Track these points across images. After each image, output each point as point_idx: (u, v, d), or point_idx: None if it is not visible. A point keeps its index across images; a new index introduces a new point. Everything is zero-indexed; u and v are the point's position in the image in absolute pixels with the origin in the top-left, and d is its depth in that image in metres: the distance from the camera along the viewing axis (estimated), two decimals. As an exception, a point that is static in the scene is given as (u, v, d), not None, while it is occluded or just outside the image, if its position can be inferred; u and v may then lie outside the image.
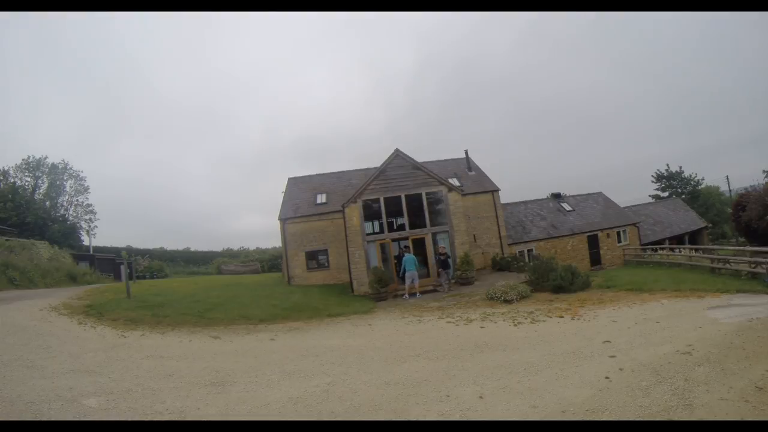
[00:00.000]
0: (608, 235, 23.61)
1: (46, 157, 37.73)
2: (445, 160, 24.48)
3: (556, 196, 26.90)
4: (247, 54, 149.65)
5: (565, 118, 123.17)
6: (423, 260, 17.31)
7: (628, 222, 24.67)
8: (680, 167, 43.66)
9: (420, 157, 19.36)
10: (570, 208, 25.01)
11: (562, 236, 23.03)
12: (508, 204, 23.94)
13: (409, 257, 15.27)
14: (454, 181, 20.80)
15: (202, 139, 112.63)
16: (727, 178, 38.89)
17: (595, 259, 22.92)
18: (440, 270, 15.81)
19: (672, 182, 43.37)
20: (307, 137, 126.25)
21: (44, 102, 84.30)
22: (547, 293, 12.28)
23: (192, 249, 47.36)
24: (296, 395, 5.12)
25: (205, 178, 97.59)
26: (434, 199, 18.06)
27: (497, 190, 21.91)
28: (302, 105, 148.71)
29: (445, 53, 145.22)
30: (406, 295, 14.77)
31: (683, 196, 38.64)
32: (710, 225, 33.47)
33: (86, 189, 38.68)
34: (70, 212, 38.40)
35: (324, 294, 16.18)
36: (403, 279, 15.24)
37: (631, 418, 3.87)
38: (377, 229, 21.64)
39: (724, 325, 6.87)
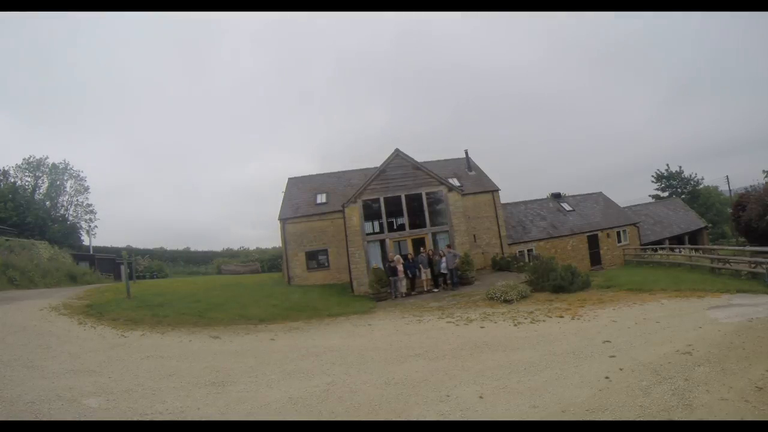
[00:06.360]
0: (608, 235, 23.59)
1: (46, 157, 37.76)
2: (445, 160, 24.46)
3: (556, 196, 26.89)
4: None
5: (564, 118, 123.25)
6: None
7: (628, 222, 24.66)
8: (680, 167, 43.77)
9: (420, 157, 19.38)
10: (570, 208, 25.00)
11: (562, 236, 23.01)
12: (508, 204, 23.93)
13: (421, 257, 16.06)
14: (454, 181, 20.79)
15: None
16: (727, 178, 38.84)
17: (595, 259, 22.91)
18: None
19: (672, 182, 43.41)
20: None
21: (48, 102, 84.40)
22: (547, 293, 12.27)
23: (192, 249, 47.28)
24: (296, 395, 5.12)
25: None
26: (434, 199, 18.04)
27: (497, 190, 21.91)
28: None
29: (450, 59, 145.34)
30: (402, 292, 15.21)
31: (683, 196, 38.64)
32: (710, 225, 33.46)
33: (86, 189, 38.69)
34: (70, 212, 38.40)
35: (324, 294, 16.18)
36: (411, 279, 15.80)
37: (631, 418, 3.87)
38: (377, 229, 21.62)
39: (724, 325, 6.88)
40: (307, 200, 21.99)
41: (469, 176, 23.10)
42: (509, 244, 21.63)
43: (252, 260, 39.41)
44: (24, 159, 37.33)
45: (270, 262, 37.60)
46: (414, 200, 17.72)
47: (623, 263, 22.21)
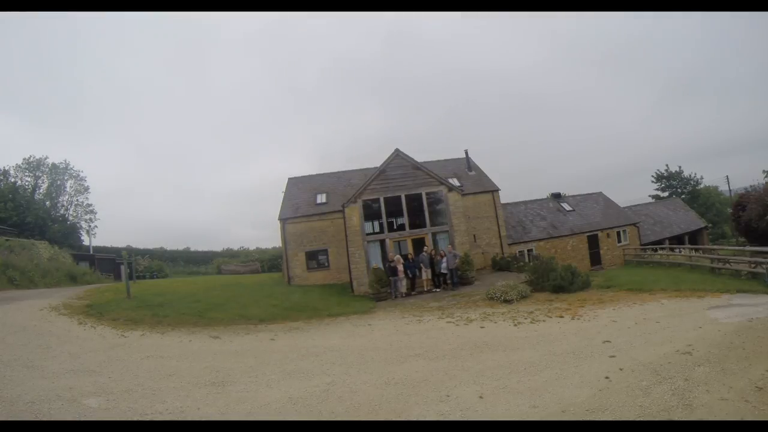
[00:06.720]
0: (608, 235, 23.59)
1: (46, 157, 37.74)
2: (445, 160, 24.45)
3: (556, 196, 26.88)
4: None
5: (564, 118, 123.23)
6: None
7: (628, 222, 24.66)
8: (680, 167, 43.77)
9: (421, 157, 19.37)
10: (570, 208, 25.00)
11: (562, 236, 23.01)
12: (508, 204, 23.92)
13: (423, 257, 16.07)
14: (454, 181, 20.78)
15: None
16: (727, 178, 38.83)
17: (595, 259, 22.90)
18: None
19: (672, 182, 43.41)
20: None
21: (48, 103, 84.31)
22: (547, 293, 12.27)
23: (192, 249, 47.23)
24: (296, 395, 5.12)
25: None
26: (434, 199, 18.04)
27: (497, 190, 21.90)
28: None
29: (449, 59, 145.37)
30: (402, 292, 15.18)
31: (683, 196, 38.63)
32: (710, 225, 33.44)
33: (86, 189, 38.67)
34: (70, 212, 38.37)
35: (324, 294, 16.17)
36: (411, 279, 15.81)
37: (631, 418, 3.87)
38: (377, 229, 21.62)
39: (724, 325, 6.88)
40: (307, 200, 21.99)
41: (469, 176, 23.09)
42: (509, 244, 21.63)
43: (252, 260, 39.38)
44: (24, 159, 37.37)
45: (270, 262, 37.58)
46: (414, 200, 17.71)
47: (623, 263, 22.20)
